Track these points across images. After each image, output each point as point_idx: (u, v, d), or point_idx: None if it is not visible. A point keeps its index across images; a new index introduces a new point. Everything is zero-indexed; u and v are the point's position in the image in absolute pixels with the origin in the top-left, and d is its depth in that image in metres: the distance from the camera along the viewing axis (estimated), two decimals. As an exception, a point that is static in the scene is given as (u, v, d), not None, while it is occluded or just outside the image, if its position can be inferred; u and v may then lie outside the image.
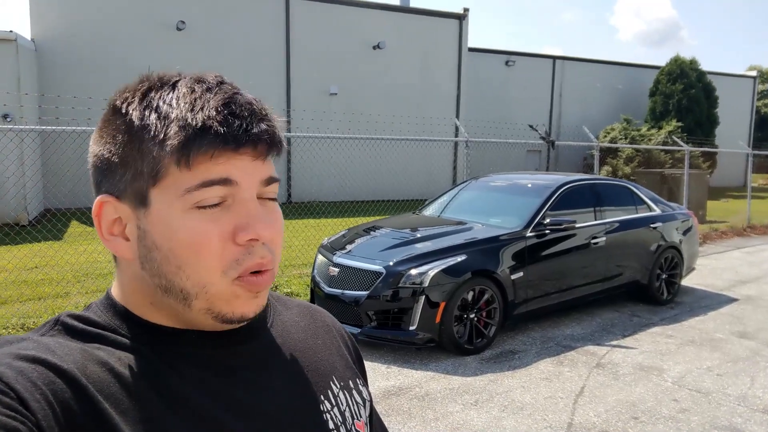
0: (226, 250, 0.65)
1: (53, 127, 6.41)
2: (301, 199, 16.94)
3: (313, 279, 5.67)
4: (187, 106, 0.63)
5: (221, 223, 0.65)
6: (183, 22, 15.47)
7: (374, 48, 18.29)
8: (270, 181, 0.68)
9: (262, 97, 0.70)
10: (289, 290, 6.66)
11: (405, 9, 19.57)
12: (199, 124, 0.62)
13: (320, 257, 5.69)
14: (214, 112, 0.63)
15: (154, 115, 0.64)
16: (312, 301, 5.68)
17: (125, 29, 14.82)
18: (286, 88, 17.10)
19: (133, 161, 0.65)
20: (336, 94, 17.67)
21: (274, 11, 16.83)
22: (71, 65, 14.07)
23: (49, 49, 14.14)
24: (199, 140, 0.62)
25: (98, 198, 0.68)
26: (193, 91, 0.65)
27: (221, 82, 0.68)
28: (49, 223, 10.41)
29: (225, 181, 0.64)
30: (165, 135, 0.63)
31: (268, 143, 0.66)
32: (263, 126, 0.65)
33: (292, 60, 17.14)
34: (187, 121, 0.62)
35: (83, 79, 13.69)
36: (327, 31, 17.55)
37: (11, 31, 11.25)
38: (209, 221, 0.64)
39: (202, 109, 0.63)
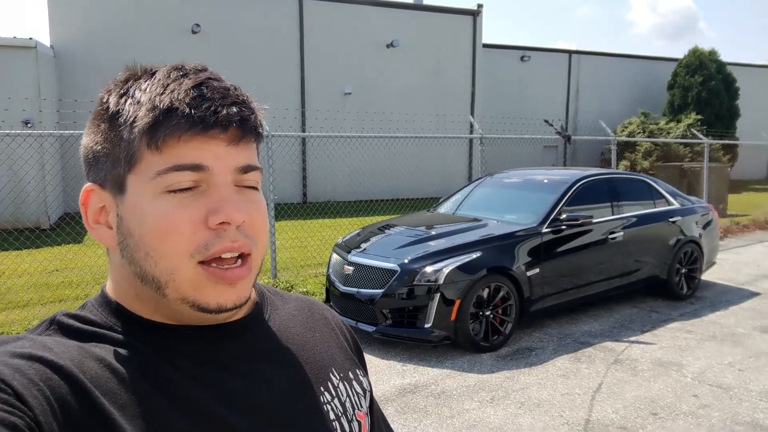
0: (197, 234, 0.64)
1: (72, 132, 6.51)
2: (317, 199, 17.01)
3: (328, 278, 5.69)
4: (158, 89, 0.65)
5: (193, 209, 0.64)
6: (198, 25, 15.61)
7: (388, 47, 18.28)
8: (248, 169, 0.68)
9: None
10: (305, 289, 6.68)
11: (418, 7, 19.51)
12: (167, 105, 0.63)
13: (335, 256, 5.71)
14: (183, 95, 0.64)
15: (128, 101, 0.66)
16: (327, 299, 5.70)
17: (141, 33, 15.00)
18: (300, 88, 17.16)
19: (112, 148, 0.67)
20: (350, 93, 17.70)
21: (288, 12, 16.90)
22: (89, 70, 14.26)
23: (67, 54, 14.38)
24: (166, 122, 0.63)
25: (85, 186, 0.70)
26: (168, 77, 0.67)
27: (199, 70, 0.68)
28: (69, 227, 10.59)
29: (197, 167, 0.64)
30: (135, 118, 0.64)
31: (239, 127, 0.66)
32: (234, 109, 0.65)
33: (306, 60, 17.20)
34: (154, 103, 0.64)
35: (101, 84, 13.75)
36: (340, 31, 17.58)
37: (31, 39, 11.44)
38: (179, 206, 0.64)
39: (172, 92, 0.64)
